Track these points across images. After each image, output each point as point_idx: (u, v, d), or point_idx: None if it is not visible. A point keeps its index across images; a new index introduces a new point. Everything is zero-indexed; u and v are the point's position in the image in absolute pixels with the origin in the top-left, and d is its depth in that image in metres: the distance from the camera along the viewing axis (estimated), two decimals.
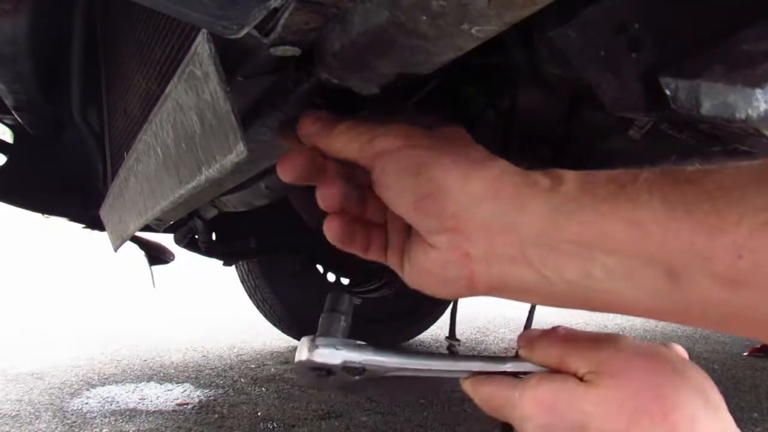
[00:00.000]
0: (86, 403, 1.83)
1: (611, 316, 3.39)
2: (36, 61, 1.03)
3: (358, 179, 0.49)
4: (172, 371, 2.21)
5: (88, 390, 1.96)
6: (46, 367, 2.22)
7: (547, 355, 0.47)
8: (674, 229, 0.33)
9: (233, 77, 0.52)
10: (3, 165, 1.57)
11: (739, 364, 2.46)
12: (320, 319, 0.50)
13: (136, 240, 1.73)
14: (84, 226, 1.75)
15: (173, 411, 1.79)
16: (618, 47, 0.51)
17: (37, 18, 0.88)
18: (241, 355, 2.47)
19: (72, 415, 1.73)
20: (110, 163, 1.10)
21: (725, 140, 0.59)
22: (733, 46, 0.50)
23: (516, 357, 0.48)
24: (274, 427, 1.67)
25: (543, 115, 0.73)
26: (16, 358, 2.32)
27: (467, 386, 0.50)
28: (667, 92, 0.51)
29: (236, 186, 0.96)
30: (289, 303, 2.41)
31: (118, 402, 1.85)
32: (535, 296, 0.41)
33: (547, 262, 0.38)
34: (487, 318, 3.31)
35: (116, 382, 2.05)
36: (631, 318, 3.33)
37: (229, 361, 2.36)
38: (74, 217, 1.70)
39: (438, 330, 2.86)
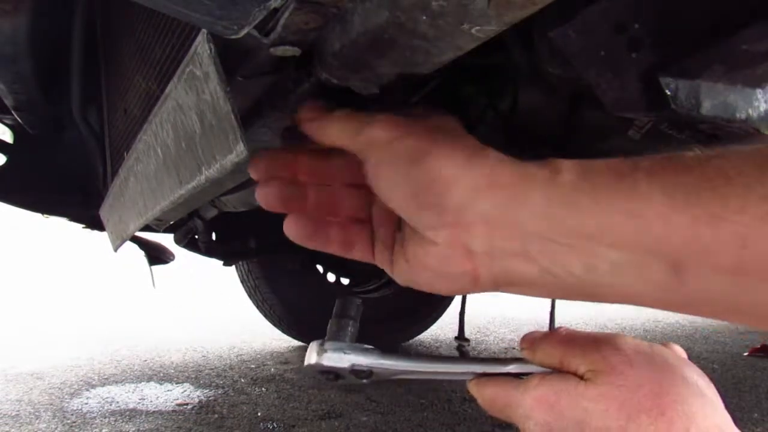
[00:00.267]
0: (86, 403, 1.83)
1: (611, 316, 3.39)
2: (36, 61, 1.03)
3: (335, 178, 0.49)
4: (172, 371, 2.21)
5: (88, 390, 1.96)
6: (46, 367, 2.22)
7: (548, 355, 0.47)
8: (675, 220, 0.33)
9: (233, 77, 0.52)
10: (3, 165, 1.57)
11: (739, 364, 2.46)
12: (329, 323, 0.51)
13: (136, 240, 1.73)
14: (84, 226, 1.75)
15: (173, 411, 1.79)
16: (618, 47, 0.51)
17: (37, 18, 0.88)
18: (241, 355, 2.48)
19: (72, 415, 1.73)
20: (110, 163, 1.10)
21: (725, 140, 0.59)
22: (733, 46, 0.50)
23: (519, 358, 0.49)
24: (274, 427, 1.67)
25: (543, 115, 0.73)
26: (16, 358, 2.32)
27: (472, 387, 0.50)
28: (667, 92, 0.51)
29: (236, 186, 0.96)
30: (289, 303, 2.41)
31: (118, 402, 1.85)
32: (540, 290, 0.41)
33: (550, 256, 0.38)
34: (487, 318, 3.31)
35: (116, 382, 2.05)
36: (632, 318, 3.33)
37: (229, 361, 2.36)
38: (74, 217, 1.70)
39: (438, 330, 2.87)
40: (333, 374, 0.50)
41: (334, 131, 0.46)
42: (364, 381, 0.50)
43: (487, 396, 0.49)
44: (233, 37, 0.39)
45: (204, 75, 0.44)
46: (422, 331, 2.69)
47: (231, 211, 1.28)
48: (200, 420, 1.71)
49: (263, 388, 2.02)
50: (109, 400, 1.87)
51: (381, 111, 0.45)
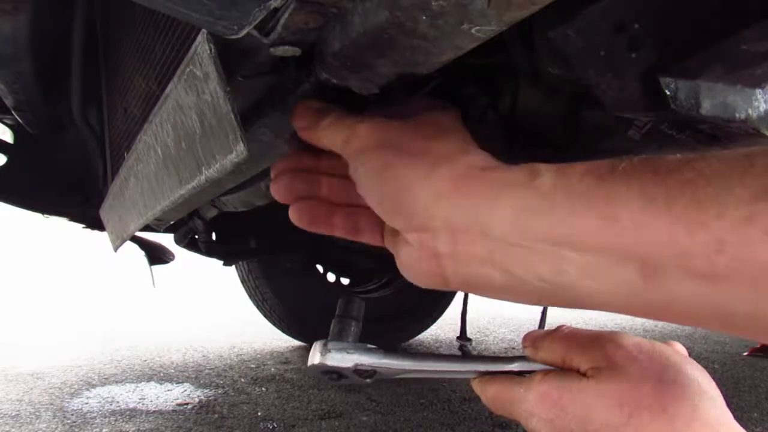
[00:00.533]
0: (86, 403, 1.83)
1: (611, 316, 3.39)
2: (36, 61, 1.03)
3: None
4: (172, 371, 2.21)
5: (88, 390, 1.96)
6: (46, 367, 2.22)
7: (551, 353, 0.48)
8: (651, 223, 0.32)
9: (233, 77, 0.52)
10: (3, 165, 1.57)
11: (738, 364, 2.46)
12: (332, 323, 0.52)
13: (136, 240, 1.73)
14: (84, 226, 1.75)
15: (173, 411, 1.79)
16: (618, 47, 0.51)
17: (37, 18, 0.88)
18: (241, 355, 2.47)
19: (72, 415, 1.73)
20: (110, 163, 1.10)
21: (725, 140, 0.59)
22: (733, 46, 0.50)
23: (521, 357, 0.49)
24: (274, 427, 1.67)
25: (543, 115, 0.73)
26: (16, 358, 2.32)
27: (475, 386, 0.51)
28: (667, 92, 0.51)
29: (236, 186, 0.96)
30: (289, 303, 2.41)
31: (118, 402, 1.85)
32: (507, 294, 0.41)
33: (516, 262, 0.37)
34: (487, 318, 3.31)
35: (116, 382, 2.05)
36: (631, 318, 3.33)
37: (229, 361, 2.36)
38: (74, 217, 1.70)
39: (438, 330, 2.87)
40: (336, 374, 0.50)
41: (324, 140, 0.47)
42: (368, 381, 0.50)
43: (491, 394, 0.50)
44: (233, 37, 0.39)
45: (204, 75, 0.44)
46: (422, 331, 2.69)
47: (231, 211, 1.28)
48: (200, 420, 1.71)
49: (263, 388, 2.02)
50: (110, 399, 1.87)
51: (368, 115, 0.46)
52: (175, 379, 2.11)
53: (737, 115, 0.53)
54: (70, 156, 1.55)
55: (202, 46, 0.43)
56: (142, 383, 2.05)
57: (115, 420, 1.69)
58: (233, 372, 2.21)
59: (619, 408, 0.42)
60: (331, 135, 0.46)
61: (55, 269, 5.09)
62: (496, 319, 3.30)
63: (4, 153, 1.57)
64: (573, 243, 0.35)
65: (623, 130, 0.62)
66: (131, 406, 1.82)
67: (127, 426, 1.65)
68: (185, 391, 1.98)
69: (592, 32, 0.50)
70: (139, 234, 1.71)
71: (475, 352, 2.48)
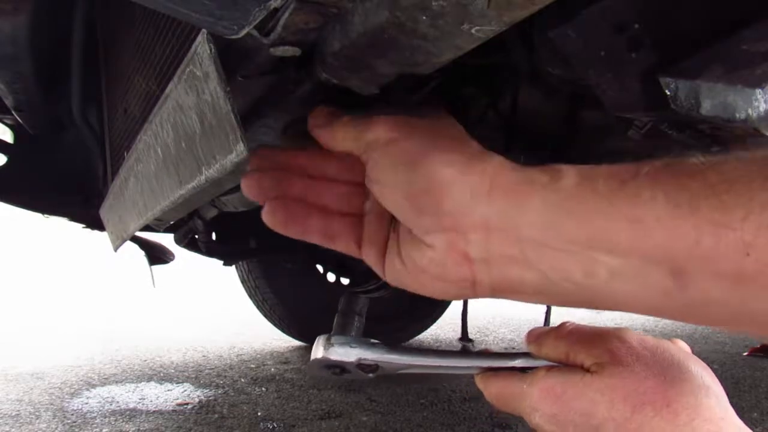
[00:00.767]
0: (86, 403, 1.83)
1: (611, 315, 3.39)
2: (36, 61, 1.03)
3: (327, 173, 0.49)
4: (172, 371, 2.21)
5: (88, 390, 1.96)
6: (46, 367, 2.22)
7: (554, 349, 0.48)
8: (678, 227, 0.32)
9: (233, 77, 0.52)
10: (3, 165, 1.57)
11: (739, 364, 2.46)
12: (335, 318, 0.52)
13: (136, 240, 1.73)
14: (84, 226, 1.75)
15: (173, 411, 1.79)
16: (618, 47, 0.51)
17: (37, 18, 0.88)
18: (241, 355, 2.47)
19: (72, 415, 1.73)
20: (110, 163, 1.10)
21: (725, 140, 0.59)
22: (733, 46, 0.50)
23: (525, 353, 0.49)
24: (274, 427, 1.67)
25: (543, 115, 0.73)
26: (16, 358, 2.32)
27: (479, 382, 0.51)
28: (667, 92, 0.51)
29: (236, 186, 0.96)
30: (289, 303, 2.41)
31: (118, 402, 1.85)
32: (538, 297, 0.41)
33: (548, 263, 0.38)
34: (486, 318, 3.31)
35: (116, 382, 2.05)
36: (631, 318, 3.33)
37: (229, 361, 2.36)
38: (74, 217, 1.70)
39: (438, 330, 2.87)
40: (339, 368, 0.50)
41: (339, 136, 0.46)
42: (370, 375, 0.50)
43: (494, 390, 0.50)
44: (233, 37, 0.39)
45: (204, 75, 0.44)
46: (422, 331, 2.69)
47: (231, 211, 1.27)
48: (200, 420, 1.71)
49: (263, 388, 2.02)
50: (110, 399, 1.87)
51: (383, 113, 0.45)
52: (175, 379, 2.11)
53: (737, 115, 0.52)
54: (70, 156, 1.55)
55: (202, 46, 0.43)
56: (142, 383, 2.05)
57: (115, 420, 1.69)
58: (233, 372, 2.21)
59: (623, 403, 0.43)
60: (347, 132, 0.45)
61: (55, 269, 5.09)
62: (495, 319, 3.30)
63: (4, 153, 1.57)
64: (603, 245, 0.35)
65: (623, 130, 0.62)
66: (131, 406, 1.82)
67: (127, 426, 1.65)
68: (185, 391, 1.98)
69: (592, 32, 0.50)
70: (139, 234, 1.71)
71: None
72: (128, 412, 1.76)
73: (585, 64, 0.51)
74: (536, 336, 0.50)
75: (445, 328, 2.92)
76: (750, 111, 0.53)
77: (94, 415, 1.73)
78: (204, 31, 0.42)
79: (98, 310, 3.45)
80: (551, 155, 0.74)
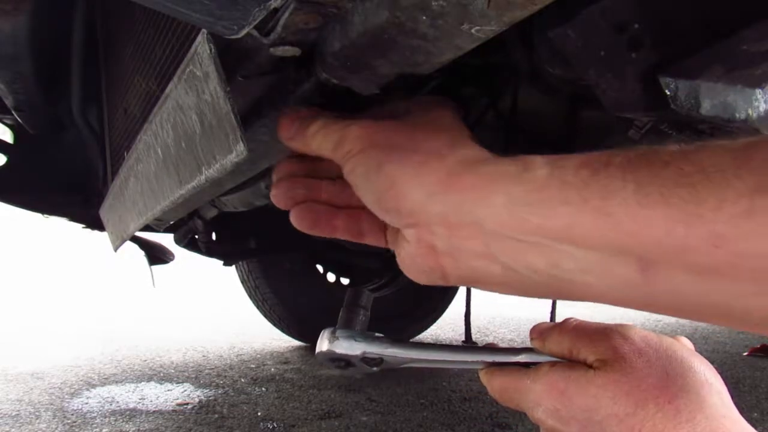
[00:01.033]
0: (86, 403, 1.83)
1: (612, 314, 3.40)
2: (36, 61, 1.03)
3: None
4: (172, 371, 2.21)
5: (88, 390, 1.96)
6: (46, 367, 2.22)
7: (558, 345, 0.48)
8: (647, 218, 0.31)
9: (233, 77, 0.52)
10: (3, 165, 1.57)
11: (739, 364, 2.46)
12: (340, 312, 0.52)
13: (136, 240, 1.73)
14: (84, 226, 1.75)
15: (173, 411, 1.79)
16: (618, 47, 0.51)
17: (37, 18, 0.88)
18: (241, 355, 2.48)
19: (72, 415, 1.73)
20: (110, 163, 1.10)
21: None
22: (733, 46, 0.50)
23: (529, 348, 0.49)
24: (274, 427, 1.67)
25: (543, 115, 0.73)
26: (16, 358, 2.32)
27: (482, 377, 0.52)
28: (667, 92, 0.51)
29: (236, 186, 0.96)
30: (289, 303, 2.41)
31: (118, 402, 1.85)
32: (505, 288, 0.41)
33: (512, 255, 0.38)
34: (487, 318, 3.31)
35: (116, 382, 2.05)
36: (631, 318, 3.33)
37: (229, 361, 2.36)
38: (74, 217, 1.70)
39: (438, 330, 2.87)
40: (344, 362, 0.50)
41: (313, 147, 0.47)
42: (375, 369, 0.51)
43: (497, 385, 0.50)
44: (233, 37, 0.39)
45: (204, 75, 0.44)
46: (422, 331, 2.69)
47: (231, 211, 1.28)
48: (200, 420, 1.71)
49: (263, 388, 2.02)
50: (110, 399, 1.87)
51: (356, 118, 0.46)
52: (175, 379, 2.11)
53: (737, 115, 0.52)
54: (70, 156, 1.55)
55: (202, 46, 0.43)
56: (142, 383, 2.05)
57: (115, 420, 1.69)
58: (233, 372, 2.21)
59: (625, 399, 0.43)
60: (320, 141, 0.46)
61: (55, 269, 5.09)
62: (495, 319, 3.30)
63: (4, 153, 1.57)
64: (569, 237, 0.35)
65: (623, 130, 0.62)
66: (131, 406, 1.82)
67: (127, 426, 1.65)
68: (185, 391, 1.98)
69: (592, 32, 0.50)
70: (139, 234, 1.71)
71: None
72: (128, 412, 1.76)
73: (585, 64, 0.51)
74: (540, 332, 0.50)
75: (445, 328, 2.92)
76: (750, 111, 0.53)
77: (94, 415, 1.73)
78: (204, 31, 0.42)
79: (98, 310, 3.45)
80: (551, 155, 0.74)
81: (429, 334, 2.77)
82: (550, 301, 1.19)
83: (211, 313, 3.43)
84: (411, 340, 0.53)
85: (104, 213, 1.15)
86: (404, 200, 0.41)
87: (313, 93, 0.50)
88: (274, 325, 2.52)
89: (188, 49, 0.47)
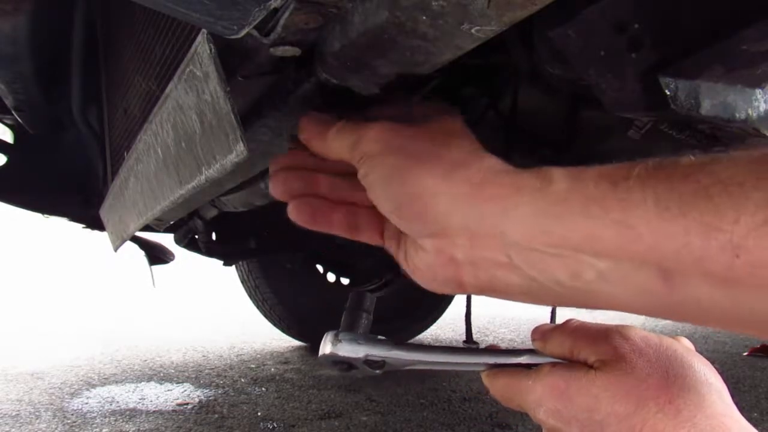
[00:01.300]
0: (86, 403, 1.83)
1: (612, 315, 3.40)
2: (36, 61, 1.03)
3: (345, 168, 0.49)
4: (172, 371, 2.21)
5: (88, 390, 1.96)
6: (46, 367, 2.22)
7: (559, 346, 0.49)
8: (667, 230, 0.32)
9: (233, 77, 0.52)
10: (3, 165, 1.57)
11: (739, 364, 2.47)
12: (343, 315, 0.52)
13: (136, 240, 1.73)
14: (84, 226, 1.75)
15: (173, 411, 1.79)
16: (618, 47, 0.51)
17: (37, 18, 0.88)
18: (241, 355, 2.47)
19: (72, 415, 1.73)
20: (110, 163, 1.10)
21: (725, 140, 0.59)
22: (733, 46, 0.50)
23: (530, 350, 0.50)
24: (274, 427, 1.67)
25: (543, 115, 0.73)
26: (16, 358, 2.32)
27: (484, 378, 0.52)
28: (667, 92, 0.51)
29: (236, 186, 0.96)
30: (289, 303, 2.41)
31: (118, 402, 1.85)
32: (525, 297, 0.41)
33: (534, 266, 0.38)
34: (487, 318, 3.31)
35: (116, 382, 2.05)
36: (631, 318, 3.33)
37: (229, 361, 2.36)
38: (74, 217, 1.70)
39: (438, 330, 2.87)
40: (347, 364, 0.50)
41: (333, 147, 0.47)
42: (377, 372, 0.51)
43: (499, 386, 0.50)
44: (233, 37, 0.39)
45: (204, 75, 0.44)
46: (422, 331, 2.69)
47: (231, 211, 1.27)
48: (200, 420, 1.71)
49: (263, 388, 2.02)
50: (110, 399, 1.87)
51: (376, 120, 0.45)
52: (175, 379, 2.11)
53: (737, 115, 0.53)
54: (70, 156, 1.55)
55: (202, 46, 0.43)
56: (142, 383, 2.05)
57: (115, 420, 1.69)
58: (233, 372, 2.21)
59: (626, 398, 0.43)
60: (340, 142, 0.46)
61: (55, 269, 5.09)
62: (496, 319, 3.30)
63: (4, 153, 1.57)
64: (591, 249, 0.35)
65: (623, 130, 0.62)
66: (131, 406, 1.82)
67: (127, 426, 1.65)
68: (185, 391, 1.98)
69: (592, 32, 0.50)
70: (139, 234, 1.71)
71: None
72: (128, 412, 1.76)
73: (585, 64, 0.51)
74: (542, 333, 0.50)
75: (445, 329, 2.92)
76: (750, 111, 0.53)
77: (94, 415, 1.73)
78: (204, 31, 0.42)
79: (98, 310, 3.45)
80: (551, 155, 0.75)
81: (429, 334, 2.77)
82: None
83: (211, 313, 3.43)
84: (413, 343, 0.53)
85: (104, 213, 1.15)
86: (427, 209, 0.41)
87: (313, 93, 0.50)
88: (274, 325, 2.52)
89: (188, 49, 0.47)
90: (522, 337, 2.80)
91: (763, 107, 0.53)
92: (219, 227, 1.77)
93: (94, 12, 1.10)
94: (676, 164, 0.34)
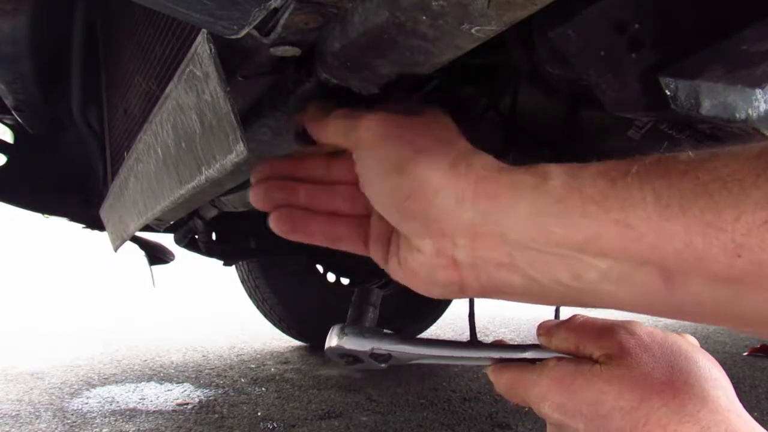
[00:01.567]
0: (86, 403, 1.83)
1: (612, 314, 3.39)
2: (36, 61, 1.03)
3: (330, 176, 0.50)
4: (172, 371, 2.21)
5: (88, 390, 1.96)
6: (46, 367, 2.22)
7: (564, 341, 0.49)
8: (668, 229, 0.32)
9: (233, 77, 0.52)
10: (3, 165, 1.57)
11: (739, 364, 2.46)
12: (350, 309, 0.53)
13: (136, 240, 1.73)
14: (84, 226, 1.75)
15: (173, 411, 1.79)
16: (618, 47, 0.51)
17: (37, 18, 0.88)
18: (241, 355, 2.48)
19: (72, 415, 1.73)
20: (110, 163, 1.10)
21: (726, 140, 0.59)
22: (733, 46, 0.50)
23: (536, 345, 0.50)
24: (274, 427, 1.67)
25: (543, 115, 0.73)
26: (16, 358, 2.32)
27: (490, 373, 0.52)
28: (667, 92, 0.51)
29: (236, 186, 0.96)
30: (289, 303, 2.41)
31: (118, 402, 1.85)
32: (527, 298, 0.41)
33: (535, 266, 0.38)
34: (487, 318, 3.31)
35: (116, 382, 2.05)
36: (632, 317, 3.33)
37: (229, 361, 2.36)
38: (74, 217, 1.70)
39: (438, 330, 2.87)
40: (352, 357, 0.50)
41: (330, 130, 0.46)
42: (383, 365, 0.51)
43: (504, 381, 0.50)
44: (233, 37, 0.39)
45: (204, 75, 0.44)
46: (422, 331, 2.69)
47: (231, 211, 1.28)
48: (200, 420, 1.71)
49: (263, 388, 2.02)
50: (110, 399, 1.87)
51: (373, 109, 0.45)
52: (175, 379, 2.11)
53: (737, 115, 0.53)
54: (70, 156, 1.55)
55: (202, 46, 0.43)
56: (142, 383, 2.05)
57: (115, 420, 1.69)
58: (233, 372, 2.21)
59: (630, 393, 0.43)
60: (339, 124, 0.45)
61: (55, 269, 5.09)
62: (496, 319, 3.30)
63: (4, 153, 1.57)
64: (592, 249, 0.35)
65: (623, 130, 0.63)
66: (131, 406, 1.82)
67: (127, 426, 1.65)
68: (185, 391, 1.98)
69: (592, 32, 0.50)
70: (139, 234, 1.71)
71: None
72: (128, 412, 1.76)
73: (585, 64, 0.51)
74: (547, 328, 0.50)
75: (445, 329, 2.92)
76: (750, 111, 0.53)
77: (94, 415, 1.73)
78: (204, 31, 0.42)
79: (98, 310, 3.45)
80: (551, 155, 0.74)
81: (429, 334, 2.77)
82: None
83: (211, 313, 3.43)
84: (418, 337, 0.53)
85: (104, 213, 1.15)
86: (431, 206, 0.40)
87: (313, 93, 0.50)
88: (274, 325, 2.52)
89: (188, 49, 0.47)
90: (522, 337, 2.80)
91: (763, 107, 0.53)
92: (219, 227, 1.77)
93: (94, 12, 1.10)
94: (674, 160, 0.33)
